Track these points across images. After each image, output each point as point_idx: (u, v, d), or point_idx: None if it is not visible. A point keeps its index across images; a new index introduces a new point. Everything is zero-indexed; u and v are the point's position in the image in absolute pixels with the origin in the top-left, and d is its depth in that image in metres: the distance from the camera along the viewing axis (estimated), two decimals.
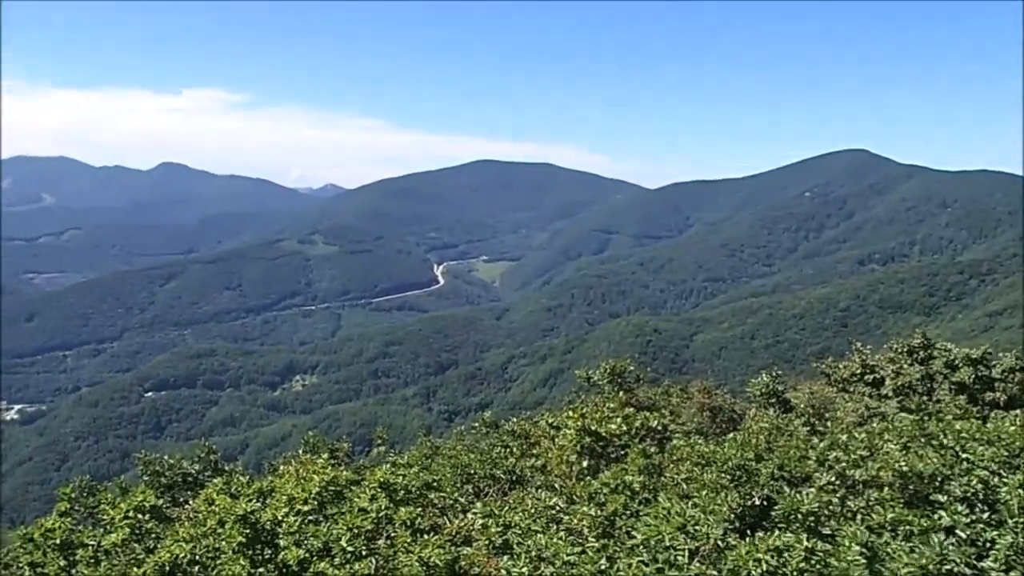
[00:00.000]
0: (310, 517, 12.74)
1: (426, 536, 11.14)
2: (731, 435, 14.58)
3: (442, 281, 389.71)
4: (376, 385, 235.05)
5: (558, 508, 11.87)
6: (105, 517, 13.23)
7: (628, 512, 10.58)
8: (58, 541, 12.48)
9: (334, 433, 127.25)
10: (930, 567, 8.15)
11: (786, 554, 8.07)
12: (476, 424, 23.72)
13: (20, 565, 13.07)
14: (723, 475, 11.17)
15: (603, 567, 9.07)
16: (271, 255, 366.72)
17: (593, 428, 13.42)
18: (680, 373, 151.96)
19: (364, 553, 11.37)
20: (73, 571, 12.35)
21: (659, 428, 14.40)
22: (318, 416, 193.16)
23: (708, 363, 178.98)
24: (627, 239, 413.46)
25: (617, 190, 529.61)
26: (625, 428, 13.48)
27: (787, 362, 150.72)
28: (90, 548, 12.31)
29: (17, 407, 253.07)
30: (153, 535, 12.94)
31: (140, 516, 12.92)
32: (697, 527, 8.73)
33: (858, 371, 21.35)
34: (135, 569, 11.08)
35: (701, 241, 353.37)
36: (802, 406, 18.62)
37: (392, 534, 11.71)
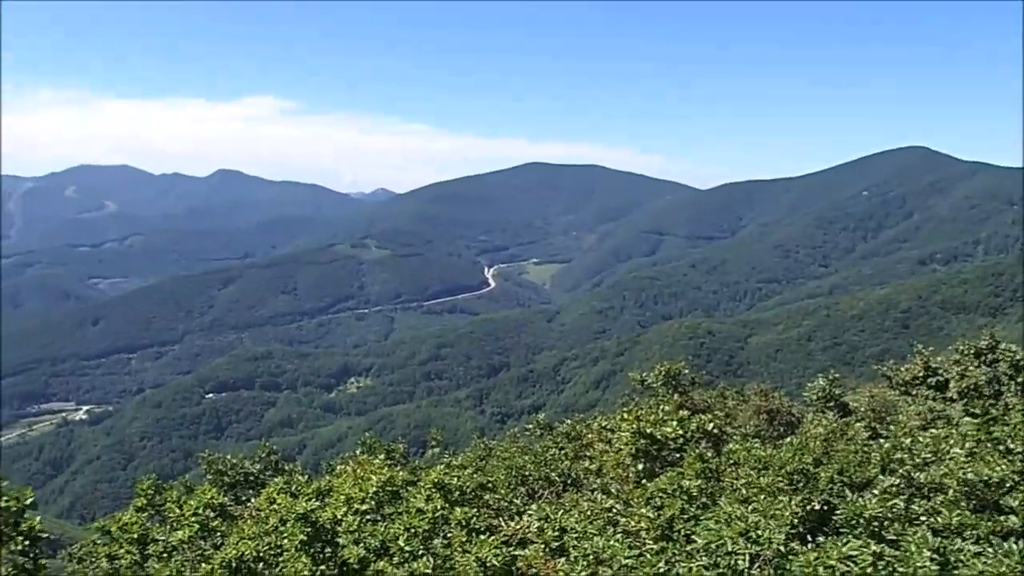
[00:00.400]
0: (368, 516, 12.95)
1: (482, 537, 11.24)
2: (788, 439, 14.40)
3: (493, 284, 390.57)
4: (429, 387, 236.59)
5: (615, 511, 11.86)
6: (172, 514, 13.65)
7: (686, 516, 10.54)
8: (135, 535, 12.90)
9: (388, 435, 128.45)
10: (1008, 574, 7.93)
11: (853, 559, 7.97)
12: (530, 426, 23.77)
13: (97, 556, 13.55)
14: (780, 479, 11.06)
15: (662, 570, 9.06)
16: (325, 259, 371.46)
17: (648, 431, 13.38)
18: (735, 376, 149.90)
19: (421, 552, 11.53)
20: (145, 565, 12.77)
21: (715, 431, 14.28)
22: (372, 418, 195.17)
23: (763, 366, 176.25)
24: (679, 240, 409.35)
25: (667, 191, 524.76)
26: (680, 431, 13.41)
27: (845, 364, 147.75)
28: (160, 543, 12.70)
29: (85, 408, 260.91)
30: (219, 532, 13.30)
31: (207, 514, 13.29)
32: (758, 532, 8.67)
33: (921, 374, 20.80)
34: (203, 565, 11.40)
35: (755, 242, 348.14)
36: (862, 409, 18.28)
37: (448, 534, 11.85)
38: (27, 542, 9.46)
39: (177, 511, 13.40)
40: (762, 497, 10.45)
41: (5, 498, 9.14)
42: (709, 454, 13.06)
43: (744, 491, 11.41)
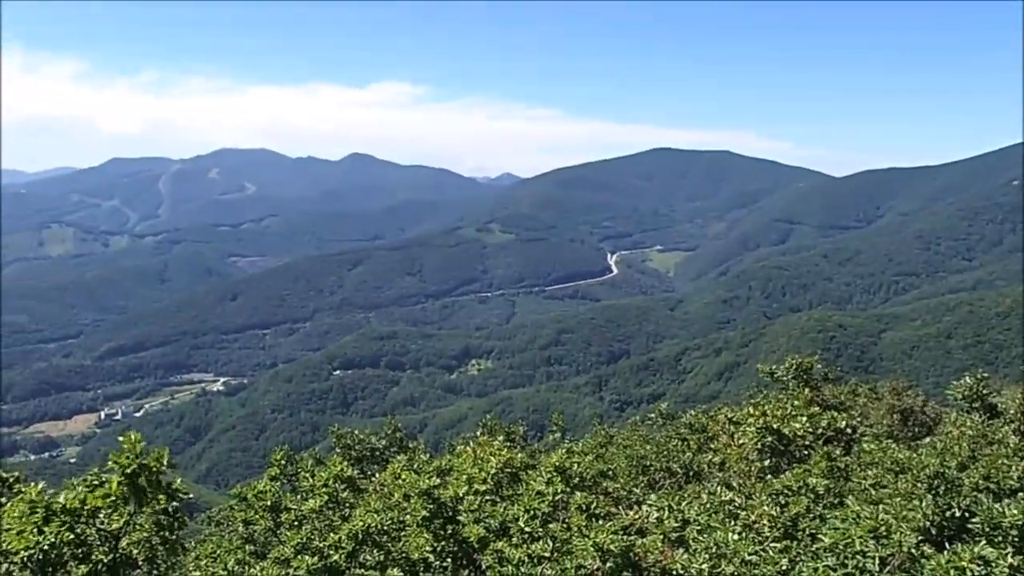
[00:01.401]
0: (487, 497, 13.15)
1: (600, 522, 11.22)
2: (928, 440, 13.69)
3: (615, 270, 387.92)
4: (548, 372, 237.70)
5: (736, 504, 11.60)
6: (304, 484, 14.32)
7: (812, 515, 10.21)
8: (268, 503, 13.60)
9: (507, 417, 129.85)
10: None
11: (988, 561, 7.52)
12: (652, 415, 23.54)
13: (234, 521, 14.40)
14: (919, 483, 10.50)
15: (784, 568, 8.82)
16: (450, 243, 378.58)
17: (775, 426, 12.99)
18: (866, 372, 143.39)
19: (540, 535, 11.62)
20: (278, 531, 13.45)
21: (847, 429, 13.70)
22: (492, 400, 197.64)
23: (898, 363, 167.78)
24: (810, 229, 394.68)
25: (800, 178, 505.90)
26: (810, 428, 12.95)
27: (988, 364, 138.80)
28: (292, 512, 13.34)
29: (223, 379, 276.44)
30: (347, 504, 13.85)
31: (337, 485, 13.86)
32: (890, 533, 8.30)
33: None
34: (331, 535, 11.90)
35: (893, 232, 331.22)
36: (1012, 411, 17.12)
37: (567, 518, 11.89)
38: (167, 500, 10.06)
39: (309, 481, 14.04)
40: (897, 499, 9.98)
41: (147, 458, 9.77)
42: (838, 452, 12.59)
43: (874, 492, 10.94)
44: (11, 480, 12.53)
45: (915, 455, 11.37)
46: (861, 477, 11.64)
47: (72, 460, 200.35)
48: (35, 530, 9.25)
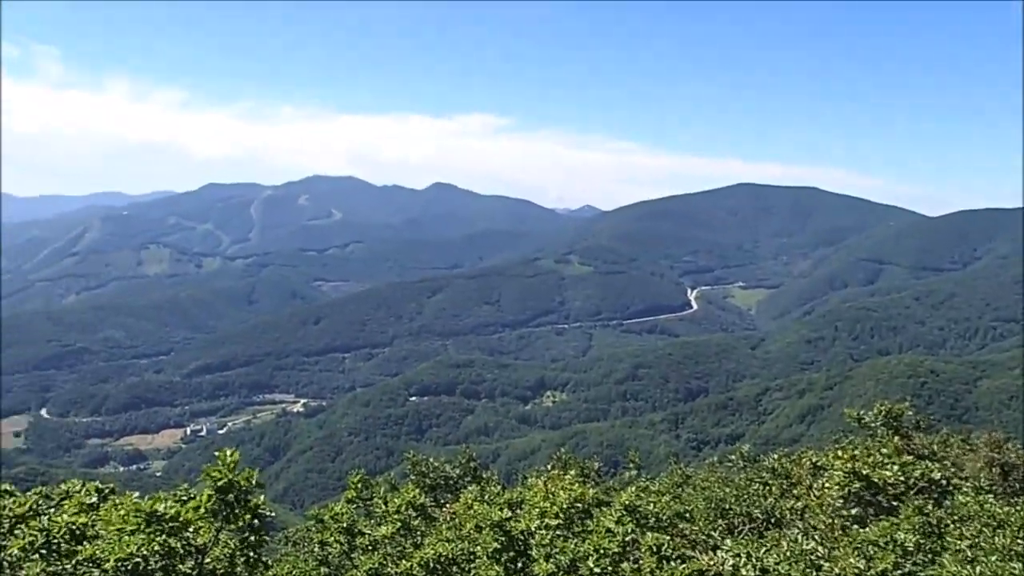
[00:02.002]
0: (559, 532, 12.98)
1: (672, 564, 10.94)
2: None
3: (695, 306, 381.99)
4: (624, 407, 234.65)
5: (818, 555, 11.14)
6: (378, 509, 14.42)
7: (900, 571, 9.73)
8: (344, 525, 13.75)
9: (581, 451, 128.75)
10: None
11: None
12: (732, 456, 22.94)
13: (310, 542, 14.60)
14: (1018, 539, 9.90)
15: None
16: (528, 273, 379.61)
17: (865, 473, 12.46)
18: (959, 421, 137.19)
19: (610, 575, 11.38)
20: (352, 555, 13.55)
21: (942, 481, 13.04)
22: (566, 433, 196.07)
23: (994, 413, 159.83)
24: (901, 270, 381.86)
25: (891, 216, 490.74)
26: (902, 477, 12.37)
27: None
28: (367, 536, 13.43)
29: (303, 401, 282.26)
30: (419, 531, 13.88)
31: (410, 512, 13.91)
32: None
33: None
34: (403, 562, 11.91)
35: (991, 276, 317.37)
36: None
37: (639, 559, 11.62)
38: (252, 518, 10.27)
39: (383, 507, 14.14)
40: (993, 559, 9.42)
41: (238, 476, 10.00)
42: (930, 506, 11.99)
43: (969, 552, 10.35)
44: (106, 491, 12.96)
45: (1014, 510, 10.73)
46: (956, 536, 11.05)
47: (158, 473, 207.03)
48: (142, 535, 9.51)
